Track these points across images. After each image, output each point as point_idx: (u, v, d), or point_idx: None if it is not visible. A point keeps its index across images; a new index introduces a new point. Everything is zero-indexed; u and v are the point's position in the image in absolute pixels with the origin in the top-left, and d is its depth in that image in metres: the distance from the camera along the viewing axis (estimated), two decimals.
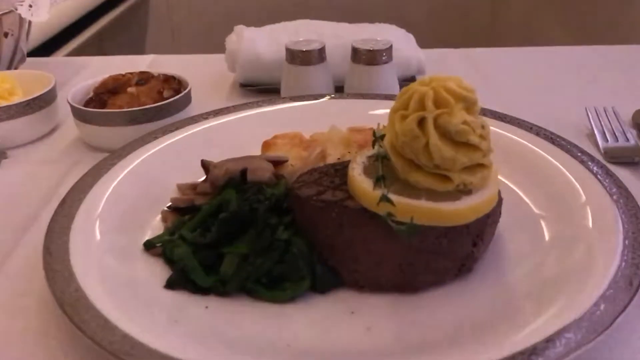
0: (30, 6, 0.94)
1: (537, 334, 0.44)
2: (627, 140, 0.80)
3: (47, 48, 1.71)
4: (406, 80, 0.98)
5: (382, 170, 0.52)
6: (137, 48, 2.59)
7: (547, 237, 0.59)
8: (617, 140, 0.80)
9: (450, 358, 0.45)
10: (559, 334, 0.44)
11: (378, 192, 0.50)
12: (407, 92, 0.51)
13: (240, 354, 0.45)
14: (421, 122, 0.49)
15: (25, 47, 1.01)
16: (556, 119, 0.82)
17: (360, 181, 0.52)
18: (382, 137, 0.54)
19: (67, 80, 1.05)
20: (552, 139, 0.71)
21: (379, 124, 0.57)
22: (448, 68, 1.07)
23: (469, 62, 1.10)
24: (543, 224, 0.60)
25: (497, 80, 1.02)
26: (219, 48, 1.11)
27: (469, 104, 0.50)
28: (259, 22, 1.07)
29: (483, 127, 0.50)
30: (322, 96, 0.86)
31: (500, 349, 0.43)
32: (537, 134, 0.73)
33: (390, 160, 0.52)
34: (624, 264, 0.50)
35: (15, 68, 1.03)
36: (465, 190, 0.51)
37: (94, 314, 0.47)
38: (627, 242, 0.53)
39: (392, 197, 0.49)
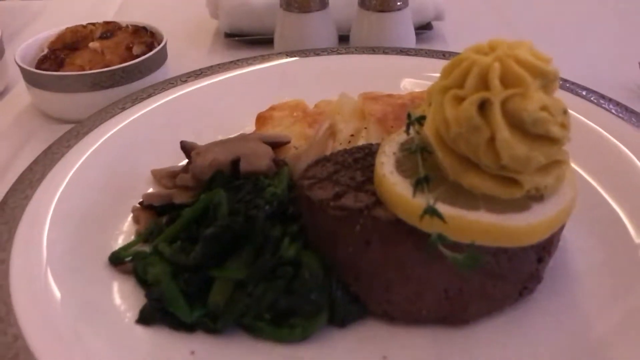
0: None
1: None
2: None
3: None
4: (421, 28, 0.83)
5: (424, 167, 0.38)
6: None
7: (633, 239, 0.46)
8: None
9: None
10: None
11: (420, 201, 0.37)
12: (461, 64, 0.37)
13: None
14: (483, 107, 0.36)
15: None
16: (604, 76, 0.70)
17: (394, 183, 0.39)
18: (421, 119, 0.41)
19: (16, 31, 0.90)
20: (610, 108, 0.58)
21: (410, 97, 0.43)
22: (469, 13, 0.92)
23: (494, 5, 0.95)
24: (625, 224, 0.48)
25: (529, 28, 0.88)
26: None
27: (547, 81, 0.36)
28: None
29: (564, 112, 0.37)
30: (325, 51, 0.71)
31: None
32: (591, 101, 0.59)
33: (433, 154, 0.39)
34: None
35: None
36: (536, 196, 0.38)
37: None
38: None
39: (441, 207, 0.36)
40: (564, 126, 0.36)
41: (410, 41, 0.77)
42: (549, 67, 0.36)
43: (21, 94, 0.73)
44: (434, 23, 0.85)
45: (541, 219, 0.37)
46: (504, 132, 0.35)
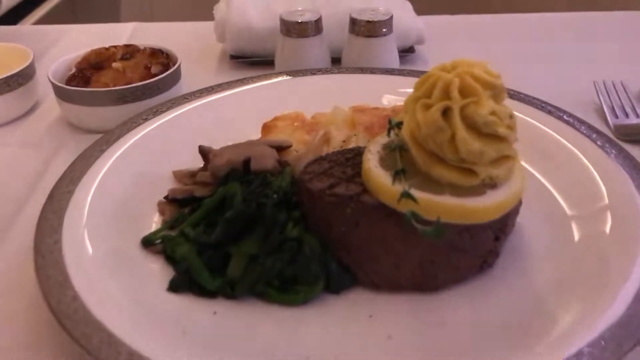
0: None
1: (566, 342, 0.42)
2: (638, 116, 0.77)
3: (14, 14, 1.61)
4: (405, 52, 0.94)
5: (401, 162, 0.48)
6: (112, 14, 2.47)
7: (573, 230, 0.56)
8: (627, 117, 0.77)
9: None
10: (594, 343, 0.41)
11: (398, 188, 0.46)
12: (429, 79, 0.47)
13: None
14: (446, 113, 0.45)
15: None
16: (563, 93, 0.79)
17: (378, 174, 0.48)
18: (399, 124, 0.50)
19: (43, 52, 0.99)
20: (566, 119, 0.68)
21: (392, 108, 0.53)
22: (448, 38, 1.02)
23: (469, 31, 1.06)
24: (566, 213, 0.57)
25: (499, 50, 0.98)
26: (200, 16, 1.05)
27: (496, 92, 0.46)
28: None
29: (511, 116, 0.46)
30: (320, 70, 0.81)
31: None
32: (550, 113, 0.69)
33: (409, 152, 0.49)
34: None
35: None
36: (491, 184, 0.47)
37: (95, 327, 0.43)
38: None
39: (414, 192, 0.46)
40: (510, 127, 0.46)
41: (395, 63, 0.87)
42: (497, 81, 0.46)
43: (50, 108, 0.83)
44: (415, 46, 0.95)
45: (494, 202, 0.47)
46: (462, 132, 0.45)
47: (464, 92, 0.45)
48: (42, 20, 1.64)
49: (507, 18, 1.12)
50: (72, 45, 1.00)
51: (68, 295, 0.46)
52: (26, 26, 1.38)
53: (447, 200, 0.46)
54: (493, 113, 0.45)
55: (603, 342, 0.41)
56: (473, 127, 0.45)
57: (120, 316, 0.45)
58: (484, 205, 0.46)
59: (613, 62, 0.94)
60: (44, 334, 0.48)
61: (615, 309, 0.44)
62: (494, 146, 0.46)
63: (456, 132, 0.45)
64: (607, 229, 0.53)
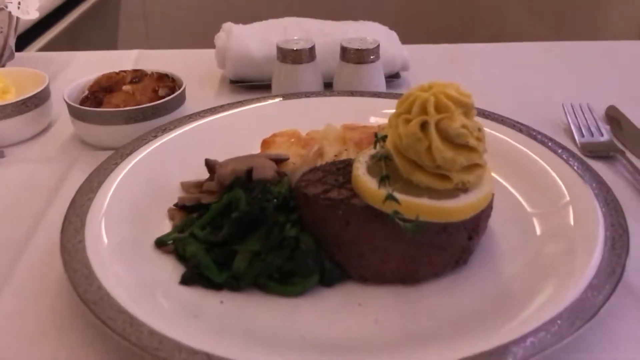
0: (19, 3, 0.94)
1: (529, 322, 0.49)
2: (602, 135, 0.85)
3: (16, 43, 1.68)
4: (391, 77, 1.02)
5: (386, 169, 0.55)
6: (110, 43, 2.55)
7: (537, 231, 0.63)
8: (593, 136, 0.85)
9: (451, 347, 0.48)
10: (551, 322, 0.48)
11: (383, 191, 0.53)
12: (409, 98, 0.54)
13: (260, 346, 0.49)
14: (423, 126, 0.53)
15: (13, 43, 1.01)
16: (535, 115, 0.86)
17: (365, 180, 0.55)
18: (384, 138, 0.58)
19: (54, 76, 1.06)
20: (535, 136, 0.76)
21: (378, 126, 0.60)
22: (430, 65, 1.11)
23: (449, 58, 1.14)
24: (532, 219, 0.65)
25: (477, 76, 1.06)
26: (194, 45, 1.13)
27: (467, 109, 0.53)
28: (237, 19, 1.09)
29: (479, 129, 0.54)
30: (314, 94, 0.89)
31: (496, 337, 0.47)
32: (521, 131, 0.77)
33: (392, 161, 0.56)
34: (606, 254, 0.55)
35: (3, 65, 1.03)
36: (463, 189, 0.54)
37: (118, 310, 0.49)
38: (607, 233, 0.58)
39: (397, 195, 0.53)
40: (479, 139, 0.54)
41: (382, 87, 0.94)
42: (468, 100, 0.54)
43: (64, 127, 0.89)
44: (401, 73, 1.03)
45: (465, 203, 0.54)
46: (437, 143, 0.52)
47: (439, 108, 0.53)
48: (42, 49, 1.72)
49: (485, 47, 1.21)
50: (81, 69, 1.07)
51: (93, 286, 0.52)
52: (39, 53, 1.45)
53: (425, 202, 0.53)
54: (464, 126, 0.52)
55: (559, 322, 0.48)
56: (447, 138, 0.52)
57: (139, 302, 0.51)
58: (457, 206, 0.53)
59: (581, 87, 1.02)
60: (70, 321, 0.54)
61: (570, 295, 0.51)
62: (465, 155, 0.53)
63: (432, 143, 0.52)
64: (567, 229, 0.61)
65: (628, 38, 1.53)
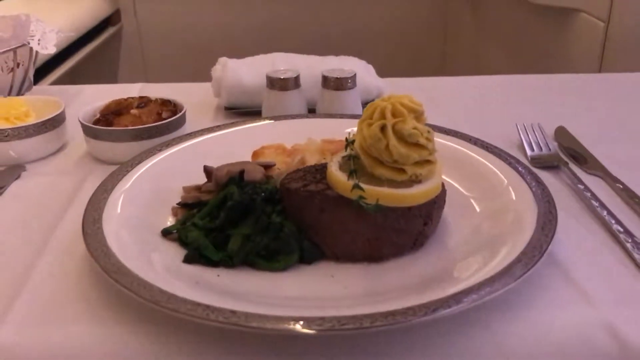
0: (39, 40, 1.07)
1: (467, 284, 0.60)
2: (550, 149, 0.98)
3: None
4: (367, 104, 1.14)
5: (354, 166, 0.67)
6: (110, 82, 2.70)
7: (483, 226, 0.75)
8: (542, 150, 0.98)
9: (406, 302, 0.59)
10: (485, 283, 0.59)
11: (351, 182, 0.65)
12: (372, 107, 0.67)
13: (251, 303, 0.59)
14: (383, 129, 0.65)
15: (32, 75, 1.14)
16: (492, 133, 0.98)
17: (337, 175, 0.67)
18: (353, 142, 0.70)
19: (67, 104, 1.17)
20: (486, 147, 0.88)
21: (349, 133, 0.72)
22: (403, 92, 1.24)
23: (420, 89, 1.28)
24: (480, 216, 0.77)
25: (444, 103, 1.19)
26: (189, 80, 1.26)
27: (418, 114, 0.66)
28: (228, 54, 1.22)
29: (429, 131, 0.66)
30: (298, 116, 1.02)
31: (443, 293, 0.59)
32: (475, 144, 0.90)
33: (359, 159, 0.68)
34: (536, 234, 0.66)
35: (23, 94, 1.15)
36: (416, 180, 0.66)
37: (133, 277, 0.60)
38: (539, 219, 0.69)
39: (362, 185, 0.64)
40: (428, 139, 0.66)
41: (358, 110, 1.07)
42: (419, 107, 0.66)
43: (78, 146, 1.00)
44: (376, 100, 1.17)
45: (418, 191, 0.65)
46: (393, 141, 0.64)
47: (395, 114, 0.65)
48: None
49: (452, 80, 1.35)
50: (90, 99, 1.19)
51: (111, 261, 0.63)
52: (52, 86, 1.58)
53: (385, 190, 0.65)
54: (415, 128, 0.65)
55: (495, 282, 0.59)
56: (401, 138, 0.65)
57: (150, 270, 0.62)
58: (411, 193, 0.65)
59: (534, 112, 1.15)
60: (89, 291, 0.65)
61: (502, 261, 0.62)
62: (416, 152, 0.65)
63: (390, 142, 0.64)
64: (508, 220, 0.73)
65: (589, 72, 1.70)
